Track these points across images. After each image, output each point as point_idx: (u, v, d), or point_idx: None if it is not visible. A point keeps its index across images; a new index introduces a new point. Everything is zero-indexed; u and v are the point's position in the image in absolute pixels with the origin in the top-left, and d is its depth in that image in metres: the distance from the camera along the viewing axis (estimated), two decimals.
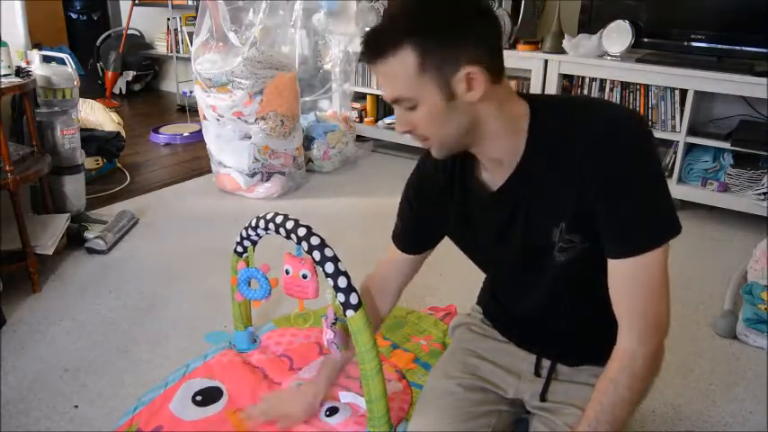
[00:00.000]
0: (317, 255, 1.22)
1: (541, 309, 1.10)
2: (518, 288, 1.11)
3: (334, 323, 1.29)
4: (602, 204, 0.90)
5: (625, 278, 0.91)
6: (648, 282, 0.90)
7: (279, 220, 1.30)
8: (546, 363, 1.14)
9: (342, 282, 1.20)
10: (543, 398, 1.11)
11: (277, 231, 1.32)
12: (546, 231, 0.97)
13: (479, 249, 1.14)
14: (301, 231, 1.25)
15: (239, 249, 1.52)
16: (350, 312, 1.19)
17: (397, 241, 1.23)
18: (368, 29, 0.93)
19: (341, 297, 1.20)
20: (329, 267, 1.21)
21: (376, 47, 0.89)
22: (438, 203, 1.11)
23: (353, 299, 1.20)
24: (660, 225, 0.90)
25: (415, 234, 1.20)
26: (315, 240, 1.23)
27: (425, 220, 1.16)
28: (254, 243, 1.49)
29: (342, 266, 1.21)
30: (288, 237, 1.28)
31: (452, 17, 0.87)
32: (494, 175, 1.00)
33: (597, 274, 0.95)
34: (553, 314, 1.09)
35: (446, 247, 1.21)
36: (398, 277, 1.26)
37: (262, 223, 1.37)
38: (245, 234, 1.46)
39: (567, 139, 0.91)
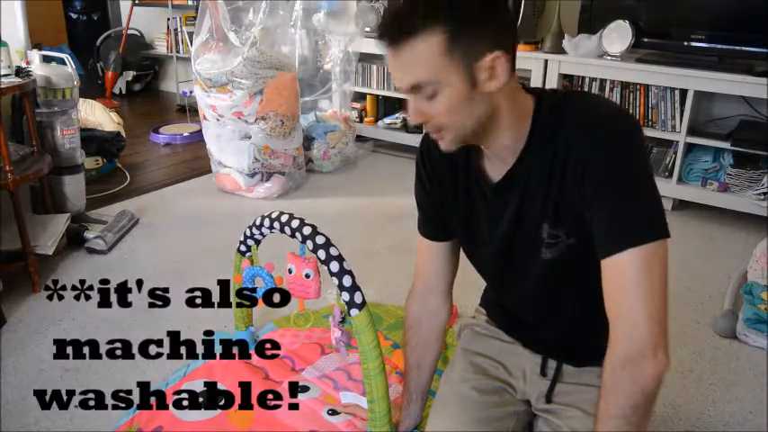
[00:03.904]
0: (321, 253, 1.22)
1: (534, 308, 1.09)
2: (509, 286, 1.11)
3: (341, 322, 1.29)
4: (586, 204, 0.88)
5: (604, 280, 0.89)
6: (619, 284, 0.86)
7: (284, 218, 1.31)
8: (552, 363, 1.13)
9: (347, 281, 1.20)
10: (549, 399, 1.11)
11: (282, 230, 1.32)
12: (536, 227, 0.96)
13: (479, 241, 1.10)
14: (306, 230, 1.25)
15: (243, 248, 1.52)
16: (354, 311, 1.19)
17: (424, 230, 1.17)
18: (385, 12, 0.89)
19: (345, 296, 1.20)
20: (334, 266, 1.20)
21: (400, 28, 0.84)
22: (447, 185, 1.08)
23: (358, 297, 1.20)
24: (634, 227, 0.86)
25: (438, 217, 1.13)
26: (320, 239, 1.23)
27: (441, 204, 1.11)
28: (258, 242, 1.49)
29: (347, 265, 1.21)
30: (293, 235, 1.28)
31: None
32: (495, 167, 0.99)
33: (588, 273, 0.92)
34: (548, 314, 1.08)
35: None
36: (441, 270, 1.18)
37: (267, 222, 1.37)
38: (249, 233, 1.46)
39: (556, 135, 0.90)
